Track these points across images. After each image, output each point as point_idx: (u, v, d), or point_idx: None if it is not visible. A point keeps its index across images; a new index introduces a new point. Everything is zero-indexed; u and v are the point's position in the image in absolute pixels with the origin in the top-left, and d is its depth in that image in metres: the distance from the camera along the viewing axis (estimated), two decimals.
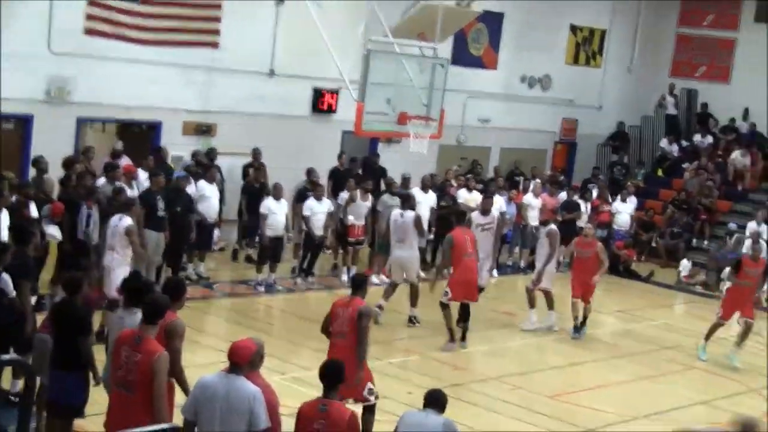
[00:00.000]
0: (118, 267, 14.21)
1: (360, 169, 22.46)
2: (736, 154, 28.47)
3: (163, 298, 9.23)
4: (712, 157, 28.86)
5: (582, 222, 23.77)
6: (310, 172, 20.49)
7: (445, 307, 16.15)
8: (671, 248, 25.86)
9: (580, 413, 14.06)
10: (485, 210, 17.81)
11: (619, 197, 25.77)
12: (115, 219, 14.66)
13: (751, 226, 24.71)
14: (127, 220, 14.54)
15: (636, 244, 25.86)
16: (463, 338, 16.48)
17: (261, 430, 8.01)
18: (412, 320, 17.42)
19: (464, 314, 16.43)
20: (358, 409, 10.47)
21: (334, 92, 22.97)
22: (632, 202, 25.97)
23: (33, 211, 15.23)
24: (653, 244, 26.34)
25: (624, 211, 25.59)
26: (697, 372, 16.91)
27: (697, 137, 30.23)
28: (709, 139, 29.93)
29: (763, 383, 16.24)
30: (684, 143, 30.59)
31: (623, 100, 31.09)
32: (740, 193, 27.98)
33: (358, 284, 11.74)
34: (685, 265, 24.35)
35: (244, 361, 8.20)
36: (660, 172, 29.83)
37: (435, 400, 8.91)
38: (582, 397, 14.78)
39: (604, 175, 28.57)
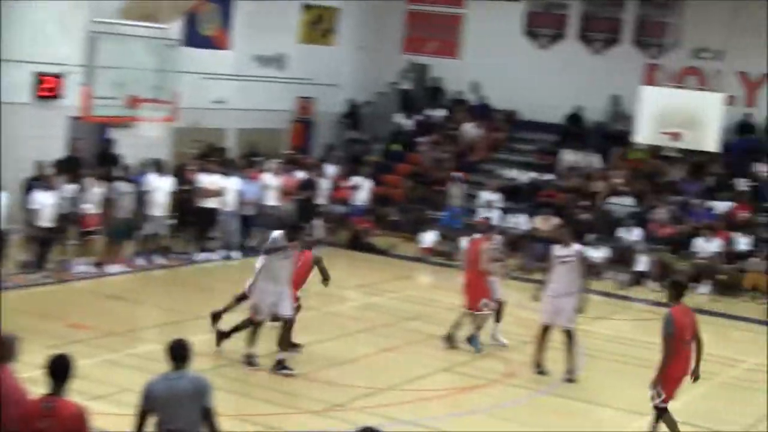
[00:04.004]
0: None
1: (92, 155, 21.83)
2: (467, 127, 29.22)
3: None
4: (445, 130, 29.50)
5: (321, 199, 24.02)
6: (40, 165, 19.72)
7: None
8: (412, 221, 26.27)
9: (329, 390, 14.05)
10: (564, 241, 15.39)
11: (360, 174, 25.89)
12: None
13: (484, 195, 25.46)
14: None
15: (375, 219, 26.16)
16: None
17: None
18: None
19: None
20: None
21: (58, 77, 22.03)
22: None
23: None
24: (393, 218, 26.69)
25: (364, 186, 25.81)
26: (438, 340, 17.12)
27: (429, 111, 30.88)
28: (442, 112, 30.60)
29: None
30: (418, 117, 31.18)
31: (358, 77, 31.34)
32: (472, 163, 28.73)
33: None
34: (424, 236, 24.79)
35: None
36: (396, 147, 30.28)
37: (180, 356, 8.33)
38: (330, 374, 14.78)
39: (342, 151, 28.75)
